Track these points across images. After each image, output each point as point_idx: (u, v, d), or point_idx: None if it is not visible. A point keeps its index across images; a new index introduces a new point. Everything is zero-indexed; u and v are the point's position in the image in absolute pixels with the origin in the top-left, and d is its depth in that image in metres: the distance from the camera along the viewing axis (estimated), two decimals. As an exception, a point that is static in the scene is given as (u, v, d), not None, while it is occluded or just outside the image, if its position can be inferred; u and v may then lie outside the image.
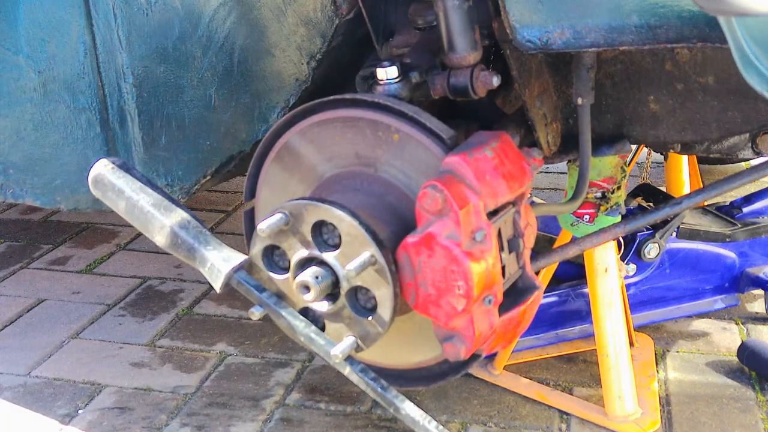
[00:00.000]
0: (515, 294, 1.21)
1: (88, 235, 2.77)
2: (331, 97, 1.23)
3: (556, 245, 1.84)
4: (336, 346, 1.16)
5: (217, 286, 1.19)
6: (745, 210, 2.12)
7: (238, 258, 1.20)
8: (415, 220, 1.11)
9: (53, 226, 2.86)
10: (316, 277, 1.14)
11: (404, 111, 1.17)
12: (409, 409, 1.13)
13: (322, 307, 1.17)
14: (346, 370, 1.15)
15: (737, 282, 2.05)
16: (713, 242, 2.02)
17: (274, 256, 1.22)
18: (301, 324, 1.17)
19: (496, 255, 1.12)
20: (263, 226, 1.14)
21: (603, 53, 1.38)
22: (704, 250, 2.01)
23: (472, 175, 1.10)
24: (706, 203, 2.16)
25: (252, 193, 1.36)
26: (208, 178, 1.59)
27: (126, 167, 1.30)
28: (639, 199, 2.05)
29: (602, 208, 1.60)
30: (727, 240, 2.02)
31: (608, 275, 1.65)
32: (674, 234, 1.98)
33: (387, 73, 1.26)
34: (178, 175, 1.60)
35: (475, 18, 1.23)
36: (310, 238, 1.15)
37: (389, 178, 1.20)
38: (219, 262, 1.19)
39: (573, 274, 1.99)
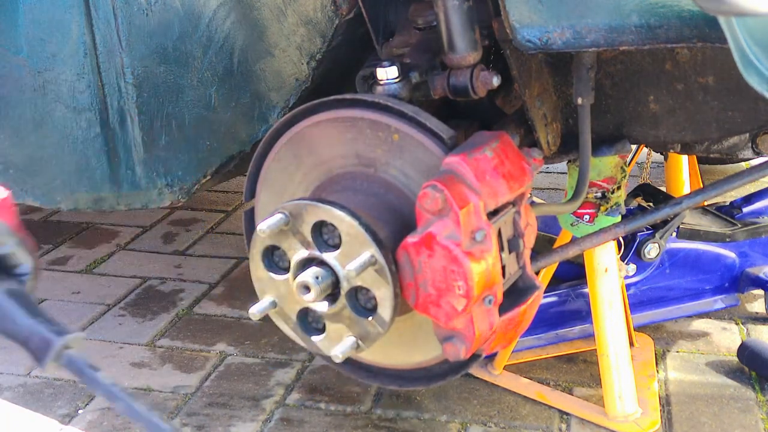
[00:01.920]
0: (515, 294, 1.21)
1: (88, 235, 2.77)
2: (331, 97, 1.23)
3: (556, 245, 1.84)
4: (336, 346, 1.17)
5: (44, 362, 1.01)
6: (745, 210, 2.12)
7: (68, 334, 1.02)
8: (415, 220, 1.11)
9: (53, 226, 2.86)
10: (317, 278, 1.14)
11: (404, 111, 1.17)
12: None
13: (323, 307, 1.17)
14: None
15: (737, 282, 2.05)
16: (713, 242, 2.02)
17: (274, 257, 1.22)
18: (141, 407, 1.00)
19: (496, 255, 1.12)
20: (263, 226, 1.14)
21: (603, 53, 1.38)
22: (704, 250, 2.01)
23: (472, 175, 1.10)
24: (706, 203, 2.16)
25: (252, 193, 1.36)
26: (208, 178, 1.59)
27: None
28: (639, 199, 2.04)
29: (602, 208, 1.60)
30: (727, 240, 2.02)
31: (608, 275, 1.65)
32: (674, 234, 1.98)
33: (387, 73, 1.26)
34: (178, 175, 1.60)
35: (475, 18, 1.23)
36: (310, 239, 1.15)
37: (389, 178, 1.20)
38: (48, 335, 1.00)
39: (573, 274, 1.99)
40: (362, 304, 1.16)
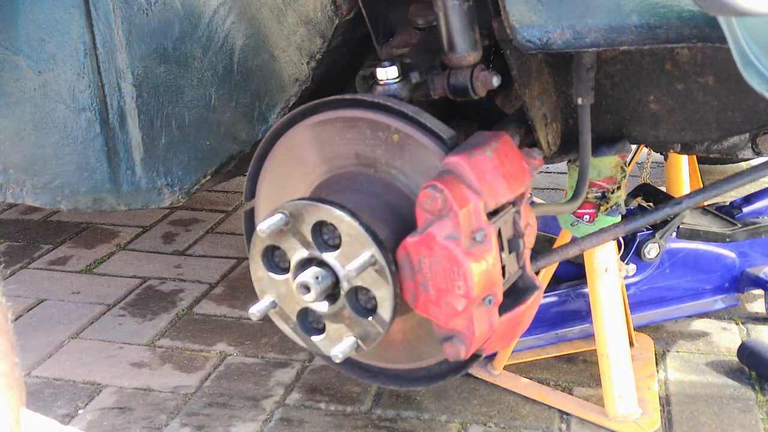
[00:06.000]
0: (515, 294, 1.21)
1: (88, 235, 2.77)
2: (331, 97, 1.23)
3: (556, 245, 1.84)
4: (336, 346, 1.17)
5: None
6: (745, 210, 2.12)
7: None
8: (415, 220, 1.11)
9: (53, 226, 2.86)
10: (317, 278, 1.14)
11: (404, 111, 1.17)
12: None
13: (323, 307, 1.17)
14: None
15: (737, 282, 2.05)
16: (713, 242, 2.02)
17: (274, 257, 1.22)
18: None
19: (496, 255, 1.12)
20: (263, 226, 1.14)
21: (603, 53, 1.38)
22: (704, 250, 2.01)
23: (472, 175, 1.10)
24: (706, 203, 2.16)
25: (252, 193, 1.36)
26: (208, 178, 1.59)
27: None
28: (639, 199, 2.04)
29: (602, 208, 1.60)
30: (727, 240, 2.02)
31: (608, 275, 1.65)
32: (674, 234, 1.98)
33: (387, 73, 1.26)
34: (178, 175, 1.60)
35: (475, 18, 1.23)
36: (310, 239, 1.15)
37: (389, 178, 1.20)
38: None
39: (573, 274, 1.99)
40: (362, 304, 1.16)
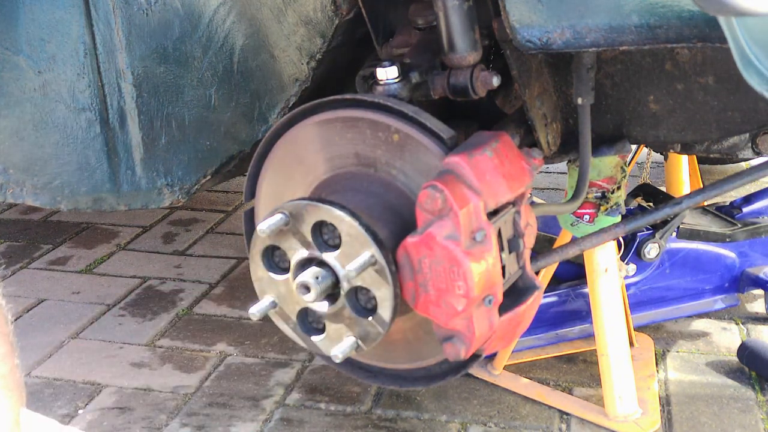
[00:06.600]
0: (515, 294, 1.21)
1: (88, 235, 2.77)
2: (331, 97, 1.23)
3: (556, 245, 1.84)
4: (336, 346, 1.17)
5: None
6: (745, 210, 2.12)
7: None
8: (415, 220, 1.11)
9: (53, 226, 2.86)
10: (316, 278, 1.14)
11: (404, 111, 1.17)
12: None
13: (323, 307, 1.17)
14: None
15: (737, 282, 2.05)
16: (713, 242, 2.02)
17: (274, 257, 1.22)
18: None
19: (496, 255, 1.12)
20: (263, 226, 1.14)
21: (603, 53, 1.38)
22: (704, 250, 2.01)
23: (472, 175, 1.10)
24: (706, 203, 2.16)
25: (252, 193, 1.36)
26: (208, 178, 1.59)
27: None
28: (639, 199, 2.05)
29: (602, 208, 1.60)
30: (727, 240, 2.02)
31: (608, 275, 1.65)
32: (674, 234, 1.98)
33: (387, 73, 1.26)
34: (178, 175, 1.60)
35: (475, 18, 1.23)
36: (310, 239, 1.15)
37: (389, 178, 1.20)
38: None
39: (573, 274, 1.99)
40: (362, 304, 1.16)
